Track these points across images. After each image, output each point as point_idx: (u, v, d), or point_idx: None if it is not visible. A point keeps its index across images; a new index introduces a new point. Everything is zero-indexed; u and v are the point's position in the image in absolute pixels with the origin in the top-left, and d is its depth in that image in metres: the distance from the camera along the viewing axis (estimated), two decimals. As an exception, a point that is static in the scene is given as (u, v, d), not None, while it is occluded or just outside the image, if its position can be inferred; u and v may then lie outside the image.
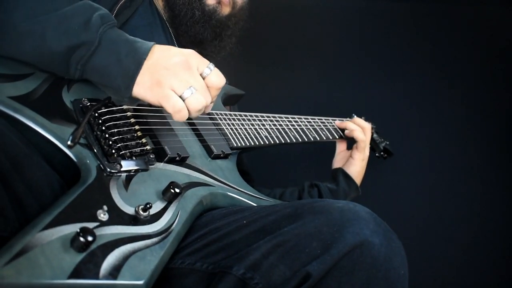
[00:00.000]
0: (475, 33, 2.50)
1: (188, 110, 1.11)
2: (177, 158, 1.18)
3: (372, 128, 1.99)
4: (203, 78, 1.14)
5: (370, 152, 1.93)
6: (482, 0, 2.49)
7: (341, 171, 1.80)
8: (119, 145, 1.08)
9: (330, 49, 2.51)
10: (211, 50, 1.71)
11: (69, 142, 1.00)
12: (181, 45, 1.64)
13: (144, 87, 1.10)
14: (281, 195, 1.76)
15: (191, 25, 1.60)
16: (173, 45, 1.61)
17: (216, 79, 1.16)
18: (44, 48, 1.05)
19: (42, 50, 1.06)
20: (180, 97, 1.10)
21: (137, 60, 1.09)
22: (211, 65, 1.16)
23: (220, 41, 1.68)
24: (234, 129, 1.44)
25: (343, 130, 1.87)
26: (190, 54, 1.15)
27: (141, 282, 0.88)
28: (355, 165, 1.82)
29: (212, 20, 1.62)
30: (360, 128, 1.85)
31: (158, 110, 1.26)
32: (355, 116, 1.95)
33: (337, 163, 1.89)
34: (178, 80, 1.10)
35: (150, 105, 1.25)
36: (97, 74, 1.11)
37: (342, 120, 1.91)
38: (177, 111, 1.09)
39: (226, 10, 1.65)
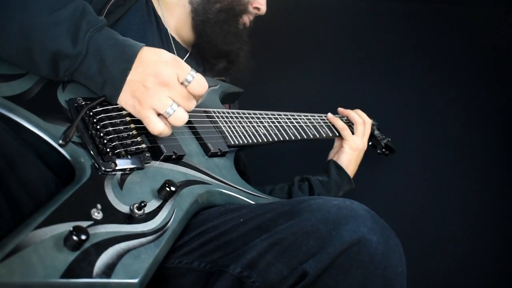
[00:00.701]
0: (475, 32, 2.51)
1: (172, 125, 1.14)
2: (173, 157, 1.17)
3: (373, 125, 1.99)
4: (185, 86, 1.14)
5: (371, 149, 1.92)
6: (482, 0, 2.49)
7: (332, 162, 1.80)
8: (114, 143, 1.07)
9: (330, 47, 2.51)
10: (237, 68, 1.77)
11: (60, 141, 0.99)
12: (180, 43, 1.68)
13: (127, 105, 1.12)
14: (270, 192, 1.76)
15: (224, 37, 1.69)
16: (169, 43, 1.62)
17: (198, 87, 1.14)
18: (36, 51, 1.05)
19: (34, 53, 1.05)
20: (162, 114, 1.11)
21: (123, 69, 1.09)
22: (193, 72, 1.14)
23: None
24: (231, 127, 1.43)
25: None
26: (169, 64, 1.13)
27: (135, 280, 0.87)
28: (345, 152, 1.82)
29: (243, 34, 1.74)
30: (337, 118, 1.87)
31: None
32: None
33: (331, 156, 1.89)
34: (157, 99, 1.10)
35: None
36: (85, 81, 1.12)
37: (343, 117, 1.92)
38: (158, 133, 1.12)
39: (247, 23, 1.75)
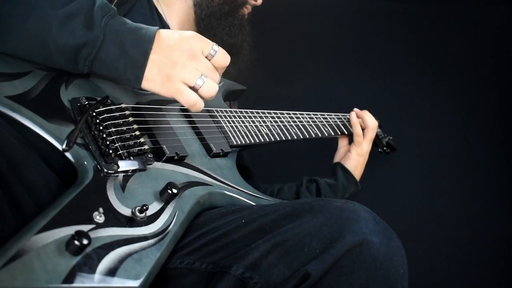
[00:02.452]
0: (475, 32, 2.51)
1: (203, 98, 1.13)
2: (176, 158, 1.17)
3: (375, 123, 1.99)
4: (209, 60, 1.14)
5: (372, 148, 1.92)
6: (482, 0, 2.48)
7: (339, 166, 1.80)
8: (117, 144, 1.07)
9: (332, 45, 2.51)
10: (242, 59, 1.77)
11: (63, 147, 0.99)
12: None
13: (155, 83, 1.10)
14: (279, 190, 1.76)
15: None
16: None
17: (222, 59, 1.16)
18: (52, 46, 1.04)
19: (50, 48, 1.04)
20: (193, 87, 1.11)
21: (143, 50, 1.08)
22: (215, 46, 1.15)
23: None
24: (234, 127, 1.43)
25: (346, 126, 1.87)
26: (193, 39, 1.14)
27: (136, 284, 0.87)
28: (352, 159, 1.81)
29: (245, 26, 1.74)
30: (358, 123, 1.85)
31: (157, 109, 1.26)
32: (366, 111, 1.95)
33: (337, 158, 1.88)
34: (187, 71, 1.10)
35: (149, 104, 1.25)
36: (105, 68, 1.10)
37: (345, 115, 1.92)
38: (193, 104, 1.12)
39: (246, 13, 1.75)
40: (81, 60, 1.07)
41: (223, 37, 1.69)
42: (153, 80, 1.10)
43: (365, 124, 1.87)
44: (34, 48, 1.06)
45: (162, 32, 1.13)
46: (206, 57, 1.14)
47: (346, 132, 1.86)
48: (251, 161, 1.85)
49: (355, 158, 1.82)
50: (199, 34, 1.16)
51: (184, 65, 1.10)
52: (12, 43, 1.06)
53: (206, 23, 1.67)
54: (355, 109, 1.92)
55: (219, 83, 1.58)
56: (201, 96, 1.13)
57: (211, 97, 1.15)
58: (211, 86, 1.13)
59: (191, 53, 1.11)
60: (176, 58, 1.09)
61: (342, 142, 1.90)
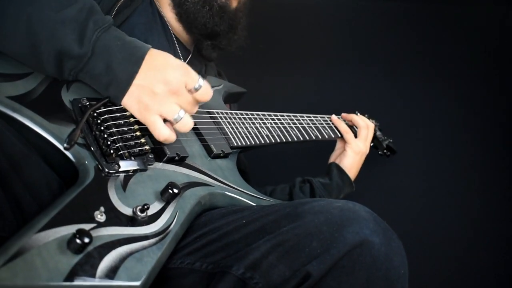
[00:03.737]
0: (475, 32, 2.51)
1: (177, 131, 1.16)
2: (176, 158, 1.17)
3: (375, 126, 1.98)
4: (192, 93, 1.15)
5: (372, 150, 1.92)
6: (482, 0, 2.49)
7: (334, 165, 1.79)
8: (118, 145, 1.07)
9: (332, 47, 2.52)
10: (225, 43, 1.68)
11: (65, 145, 0.99)
12: (183, 43, 1.66)
13: (133, 109, 1.12)
14: (271, 193, 1.74)
15: (209, 17, 1.58)
16: (173, 43, 1.60)
17: (204, 94, 1.17)
18: (39, 48, 1.04)
19: (38, 50, 1.04)
20: (170, 121, 1.13)
21: (130, 72, 1.09)
22: (201, 80, 1.15)
23: (234, 34, 1.66)
24: (234, 128, 1.44)
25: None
26: (180, 69, 1.14)
27: (137, 283, 0.87)
28: (348, 156, 1.81)
29: (226, 13, 1.60)
30: (341, 121, 1.87)
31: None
32: (359, 114, 1.95)
33: (333, 158, 1.88)
34: (167, 106, 1.11)
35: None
36: (90, 80, 1.11)
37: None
38: (164, 139, 1.13)
39: (234, 4, 1.65)
40: (66, 69, 1.07)
41: (225, 47, 1.68)
42: (132, 106, 1.11)
43: (355, 124, 1.89)
44: (24, 49, 1.05)
45: (153, 54, 1.13)
46: (190, 90, 1.14)
47: (345, 135, 1.86)
48: (247, 163, 1.84)
49: (350, 155, 1.80)
50: (186, 65, 1.16)
51: (164, 99, 1.11)
52: (6, 42, 1.06)
53: (184, 18, 1.64)
54: (342, 114, 1.94)
55: (219, 85, 1.59)
56: (176, 129, 1.15)
57: (186, 132, 1.16)
58: (187, 122, 1.15)
59: (172, 87, 1.11)
60: (157, 89, 1.10)
61: (340, 144, 1.90)
